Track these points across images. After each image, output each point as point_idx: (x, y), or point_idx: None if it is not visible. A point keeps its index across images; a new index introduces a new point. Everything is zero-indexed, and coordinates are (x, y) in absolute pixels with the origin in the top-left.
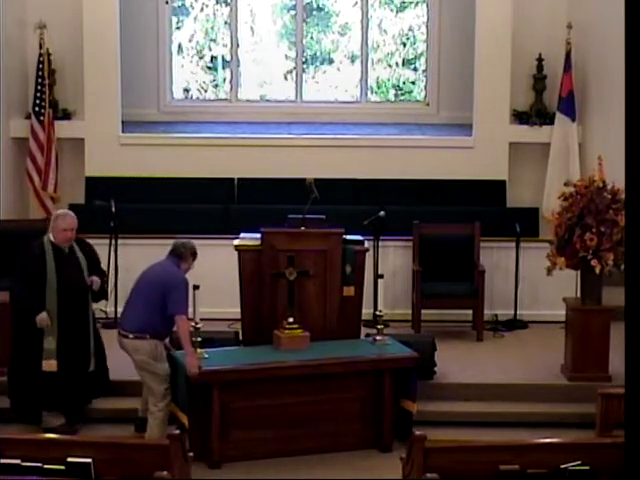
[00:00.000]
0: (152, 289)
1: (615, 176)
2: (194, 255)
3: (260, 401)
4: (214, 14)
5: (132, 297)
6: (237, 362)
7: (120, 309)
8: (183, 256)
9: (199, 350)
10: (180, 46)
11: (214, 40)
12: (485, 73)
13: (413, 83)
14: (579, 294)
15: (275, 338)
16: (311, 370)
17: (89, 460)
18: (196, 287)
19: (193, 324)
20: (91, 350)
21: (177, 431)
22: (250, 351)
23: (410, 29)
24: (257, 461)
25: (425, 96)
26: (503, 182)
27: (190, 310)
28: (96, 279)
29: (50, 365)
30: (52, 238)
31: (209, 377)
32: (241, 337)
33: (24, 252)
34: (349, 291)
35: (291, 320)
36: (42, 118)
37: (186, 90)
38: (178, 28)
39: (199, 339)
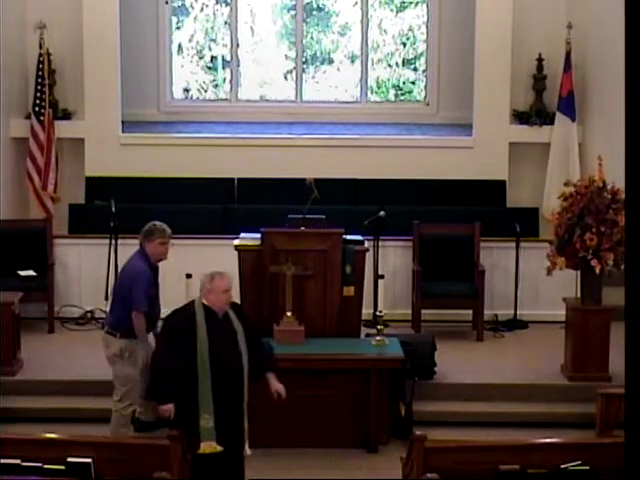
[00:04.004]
0: (119, 285)
1: (615, 176)
2: (151, 235)
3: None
4: (214, 14)
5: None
6: None
7: None
8: (142, 242)
9: None
10: (180, 46)
11: (214, 40)
12: (485, 73)
13: (413, 83)
14: (579, 294)
15: (274, 333)
16: (300, 364)
17: (89, 460)
18: (189, 276)
19: None
20: (245, 431)
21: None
22: None
23: (410, 29)
24: None
25: (425, 96)
26: (503, 182)
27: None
28: (281, 388)
29: (210, 447)
30: (205, 301)
31: None
32: None
33: (171, 318)
34: (349, 291)
35: (289, 314)
36: (42, 118)
37: (186, 90)
38: (178, 28)
39: None
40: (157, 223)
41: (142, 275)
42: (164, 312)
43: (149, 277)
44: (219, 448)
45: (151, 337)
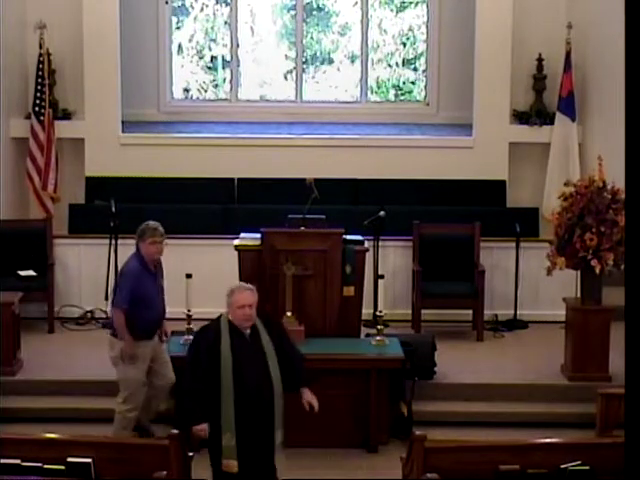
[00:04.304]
0: (114, 286)
1: (615, 176)
2: (143, 234)
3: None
4: (214, 14)
5: None
6: None
7: None
8: (137, 242)
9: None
10: (180, 46)
11: (214, 40)
12: (485, 73)
13: (413, 83)
14: (579, 294)
15: None
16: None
17: (89, 460)
18: (189, 276)
19: (186, 311)
20: (275, 451)
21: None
22: None
23: (410, 29)
24: None
25: (425, 96)
26: (503, 182)
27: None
28: (313, 399)
29: (230, 466)
30: (230, 316)
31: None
32: None
33: (198, 334)
34: (349, 291)
35: (289, 314)
36: (42, 118)
37: (186, 90)
38: (178, 28)
39: (191, 326)
40: (150, 223)
41: (130, 274)
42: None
43: (138, 277)
44: (235, 469)
45: (155, 341)
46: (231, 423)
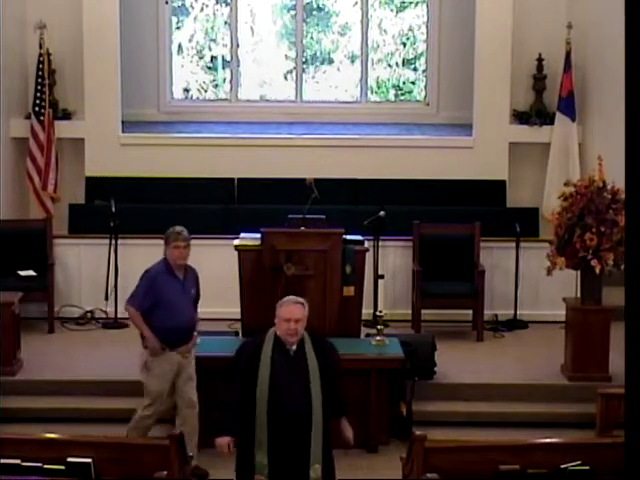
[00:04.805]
0: None
1: (615, 176)
2: (167, 239)
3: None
4: (214, 14)
5: None
6: (228, 350)
7: (120, 309)
8: (164, 246)
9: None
10: (180, 46)
11: (214, 40)
12: (485, 73)
13: (413, 83)
14: (579, 294)
15: None
16: None
17: (89, 460)
18: None
19: None
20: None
21: None
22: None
23: (410, 29)
24: None
25: (425, 96)
26: (503, 182)
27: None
28: (348, 434)
29: None
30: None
31: (197, 363)
32: (241, 337)
33: (241, 346)
34: (349, 291)
35: None
36: (42, 118)
37: (186, 90)
38: (178, 28)
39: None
40: (176, 227)
41: (149, 275)
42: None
43: (158, 280)
44: None
45: (165, 356)
46: (264, 442)
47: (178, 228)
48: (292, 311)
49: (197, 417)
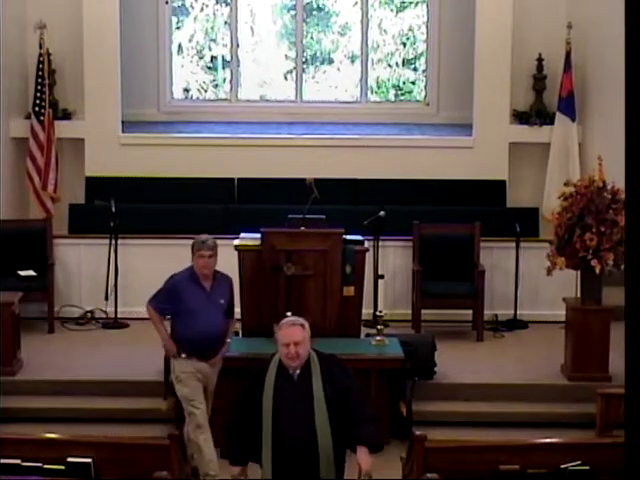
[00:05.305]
0: None
1: (615, 176)
2: (192, 247)
3: None
4: (214, 14)
5: None
6: (228, 350)
7: (120, 309)
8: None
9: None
10: (180, 46)
11: (214, 40)
12: (485, 73)
13: (413, 83)
14: (579, 294)
15: (274, 333)
16: None
17: (89, 460)
18: None
19: None
20: None
21: None
22: (246, 342)
23: (410, 29)
24: None
25: (425, 96)
26: (503, 182)
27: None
28: (365, 463)
29: None
30: None
31: None
32: (241, 337)
33: (253, 370)
34: (349, 291)
35: (289, 314)
36: (42, 118)
37: (186, 90)
38: (178, 28)
39: None
40: (202, 236)
41: (172, 278)
42: None
43: (179, 285)
44: None
45: (204, 363)
46: (269, 470)
47: (203, 237)
48: (291, 334)
49: (205, 441)
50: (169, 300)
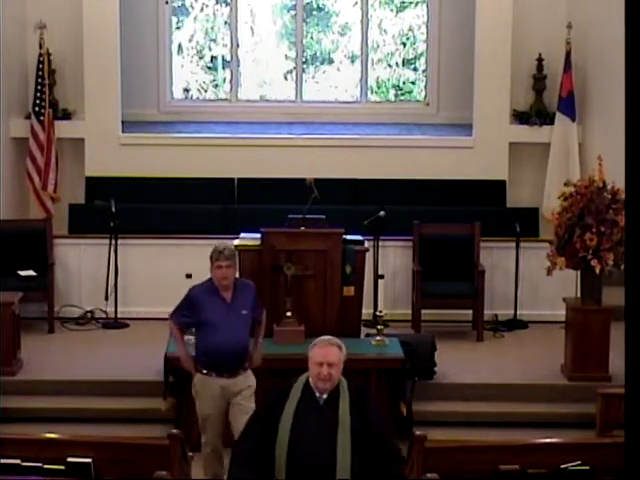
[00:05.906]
0: None
1: (615, 176)
2: (210, 258)
3: None
4: (214, 14)
5: None
6: None
7: (120, 309)
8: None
9: (186, 337)
10: (180, 46)
11: (214, 40)
12: (485, 73)
13: (413, 83)
14: (579, 294)
15: (274, 333)
16: (300, 365)
17: (89, 460)
18: (189, 276)
19: None
20: None
21: None
22: None
23: (410, 29)
24: None
25: (425, 96)
26: (503, 182)
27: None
28: None
29: None
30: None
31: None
32: None
33: (270, 390)
34: (349, 291)
35: (289, 314)
36: (42, 118)
37: (186, 90)
38: (178, 28)
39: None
40: (219, 246)
41: (190, 292)
42: (163, 311)
43: (197, 298)
44: None
45: (226, 379)
46: None
47: (220, 246)
48: (325, 354)
49: (219, 466)
50: (190, 313)
